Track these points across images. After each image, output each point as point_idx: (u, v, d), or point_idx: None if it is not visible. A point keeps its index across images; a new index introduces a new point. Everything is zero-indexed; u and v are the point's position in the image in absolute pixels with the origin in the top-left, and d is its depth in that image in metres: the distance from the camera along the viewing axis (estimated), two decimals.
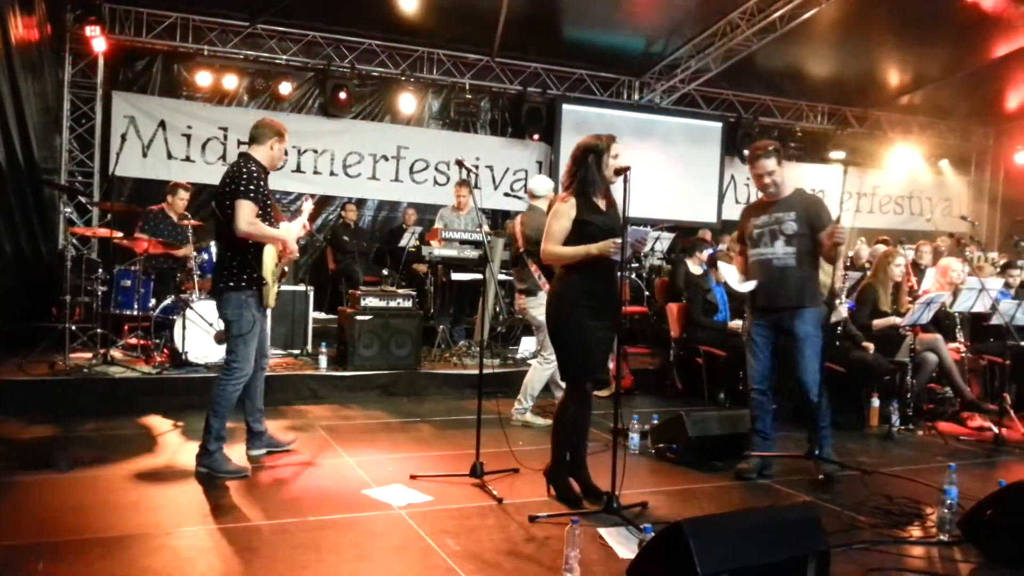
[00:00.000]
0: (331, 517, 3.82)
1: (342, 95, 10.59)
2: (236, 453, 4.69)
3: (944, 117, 13.91)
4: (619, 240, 3.88)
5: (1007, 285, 7.68)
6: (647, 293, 9.78)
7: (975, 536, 3.73)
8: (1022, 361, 6.85)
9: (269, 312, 4.86)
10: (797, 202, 4.77)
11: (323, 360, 6.93)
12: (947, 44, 10.93)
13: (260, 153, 4.56)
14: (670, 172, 12.37)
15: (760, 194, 4.92)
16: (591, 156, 4.06)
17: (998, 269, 8.80)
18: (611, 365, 7.29)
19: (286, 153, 4.79)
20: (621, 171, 3.97)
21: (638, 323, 9.34)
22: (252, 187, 4.33)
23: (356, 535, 3.62)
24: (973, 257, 9.25)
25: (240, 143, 10.31)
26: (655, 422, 5.42)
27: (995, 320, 6.63)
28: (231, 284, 4.45)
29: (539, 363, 5.92)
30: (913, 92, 12.85)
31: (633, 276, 9.92)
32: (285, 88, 10.58)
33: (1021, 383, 7.05)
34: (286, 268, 4.88)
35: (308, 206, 5.03)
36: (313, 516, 3.83)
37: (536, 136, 11.75)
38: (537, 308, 5.90)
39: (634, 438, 5.30)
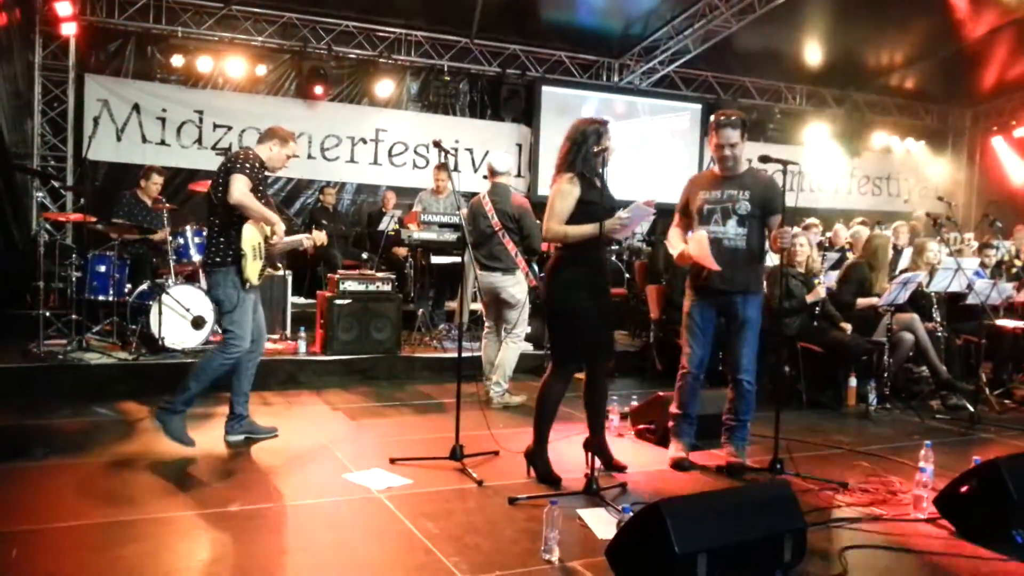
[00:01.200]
0: (310, 502, 3.81)
1: (319, 77, 10.48)
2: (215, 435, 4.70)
3: (921, 98, 13.98)
4: (624, 215, 3.96)
5: (983, 265, 7.76)
6: (627, 275, 9.79)
7: (950, 513, 3.77)
8: (997, 340, 6.95)
9: (259, 296, 4.84)
10: (751, 181, 4.54)
11: (302, 344, 6.89)
12: (924, 25, 10.99)
13: (261, 151, 4.74)
14: (649, 153, 12.37)
15: (714, 165, 4.71)
16: (591, 138, 4.10)
17: (974, 248, 8.88)
18: None
19: (288, 158, 4.85)
20: (600, 152, 4.03)
21: (619, 305, 9.34)
22: (248, 166, 4.52)
23: (335, 519, 3.60)
24: (949, 238, 9.33)
25: (216, 126, 10.24)
26: (635, 403, 5.44)
27: (971, 300, 6.70)
28: (217, 260, 4.58)
29: (512, 341, 5.92)
30: (891, 73, 12.91)
31: (613, 259, 9.92)
32: (261, 70, 10.44)
33: (996, 362, 7.14)
34: (280, 262, 4.88)
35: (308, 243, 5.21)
36: (292, 501, 3.81)
37: (515, 118, 11.69)
38: (515, 286, 5.90)
39: (614, 419, 5.31)
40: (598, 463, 4.10)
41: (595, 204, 4.00)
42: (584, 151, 4.11)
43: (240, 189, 4.42)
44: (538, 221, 5.46)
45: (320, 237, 5.32)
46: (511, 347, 5.93)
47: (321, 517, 3.62)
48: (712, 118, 4.64)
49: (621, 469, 4.39)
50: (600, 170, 4.12)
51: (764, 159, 4.53)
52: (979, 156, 14.73)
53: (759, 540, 2.99)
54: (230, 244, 4.55)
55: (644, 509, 2.94)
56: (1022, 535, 3.53)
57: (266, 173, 4.74)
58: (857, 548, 3.46)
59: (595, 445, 4.24)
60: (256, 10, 10.26)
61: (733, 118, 4.50)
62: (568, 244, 4.13)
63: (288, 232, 5.16)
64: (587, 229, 4.01)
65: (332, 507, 3.75)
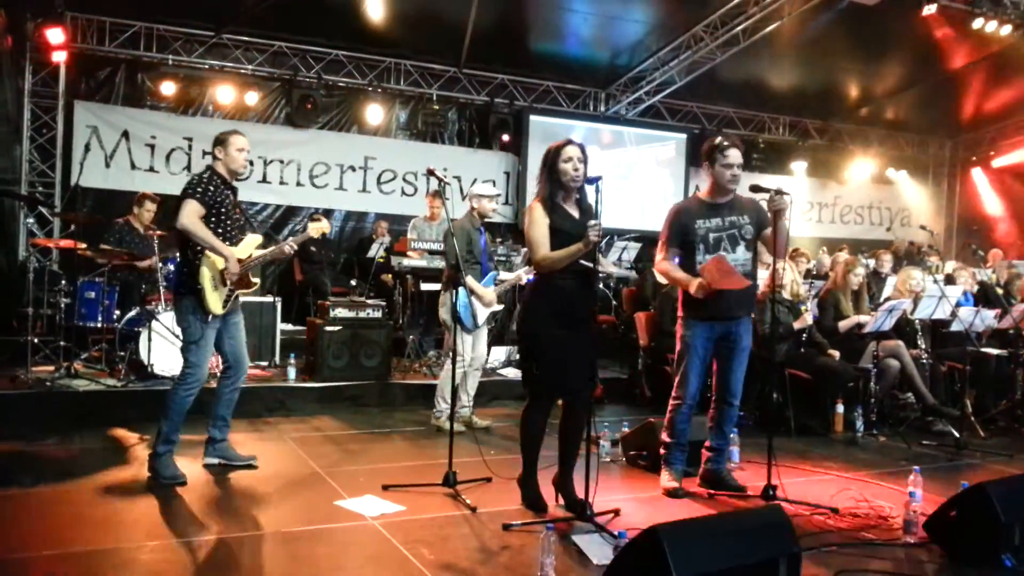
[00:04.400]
0: (304, 528, 3.79)
1: (309, 105, 10.55)
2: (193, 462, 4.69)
3: (902, 129, 14.24)
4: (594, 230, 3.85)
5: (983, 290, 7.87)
6: (615, 303, 9.85)
7: (940, 537, 3.81)
8: (981, 366, 7.04)
9: (241, 320, 4.81)
10: (744, 205, 4.60)
11: (291, 371, 6.88)
12: (905, 58, 11.22)
13: (218, 166, 4.66)
14: (636, 182, 12.51)
15: (706, 192, 4.66)
16: (548, 162, 4.09)
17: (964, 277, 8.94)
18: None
19: (241, 151, 4.65)
20: (592, 180, 3.96)
21: (607, 332, 9.39)
22: (200, 189, 4.47)
23: (330, 546, 3.59)
24: (932, 265, 9.47)
25: (205, 153, 10.24)
26: (625, 430, 5.46)
27: (955, 327, 6.81)
28: (181, 290, 4.59)
29: (448, 364, 5.86)
30: (872, 104, 13.15)
31: (600, 286, 9.98)
32: (251, 98, 10.50)
33: (980, 388, 7.22)
34: (253, 280, 4.79)
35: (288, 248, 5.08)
36: (286, 528, 3.80)
37: (505, 137, 11.76)
38: (442, 308, 6.02)
39: (605, 446, 5.34)
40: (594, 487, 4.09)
41: (562, 232, 3.98)
42: (545, 175, 4.08)
43: (186, 214, 4.38)
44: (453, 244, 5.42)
45: (321, 227, 5.20)
46: (444, 369, 5.91)
47: (316, 544, 3.61)
48: (715, 141, 4.60)
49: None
50: (575, 193, 4.08)
51: (755, 188, 4.58)
52: (959, 186, 14.98)
53: (755, 564, 3.00)
54: (192, 273, 4.50)
55: (641, 534, 2.95)
56: (1011, 559, 3.57)
57: (235, 183, 4.70)
58: (850, 572, 3.48)
59: (559, 480, 4.22)
60: (246, 39, 10.34)
61: (735, 141, 4.56)
62: (540, 273, 4.09)
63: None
64: (572, 249, 3.91)
65: (327, 534, 3.74)
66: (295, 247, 5.08)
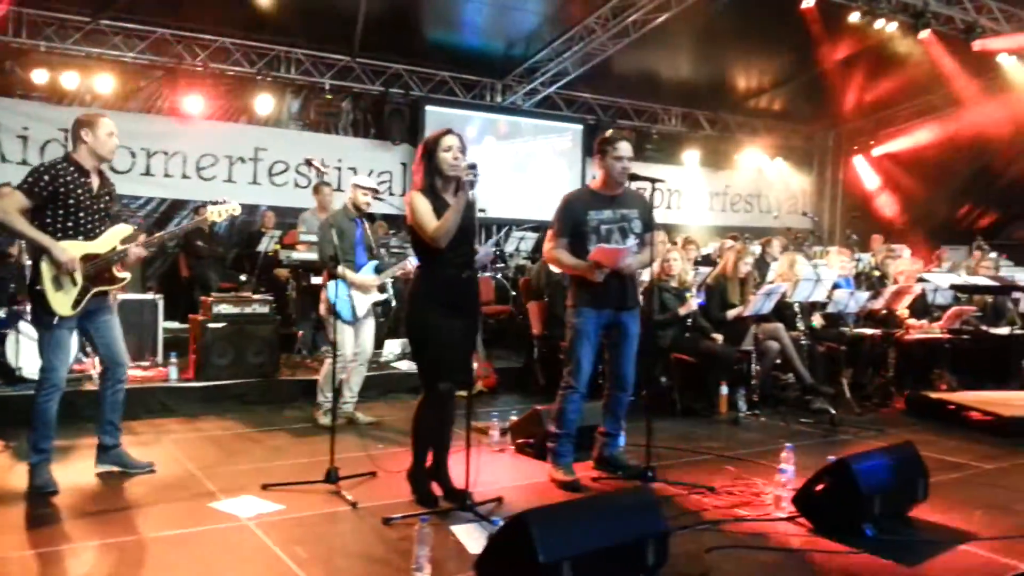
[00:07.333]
0: (172, 533, 3.65)
1: (194, 95, 10.18)
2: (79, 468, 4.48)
3: (789, 119, 14.78)
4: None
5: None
6: (513, 293, 9.88)
7: (807, 511, 3.96)
8: (857, 346, 7.37)
9: (112, 318, 4.56)
10: (634, 199, 4.74)
11: (173, 371, 6.62)
12: (789, 50, 11.62)
13: (79, 152, 4.30)
14: (533, 173, 12.58)
15: (592, 183, 4.75)
16: (427, 152, 4.06)
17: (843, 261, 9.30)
18: (476, 365, 7.37)
19: (111, 135, 4.32)
20: (471, 166, 3.92)
21: (504, 322, 9.42)
22: (31, 180, 4.13)
23: (199, 550, 3.47)
24: (814, 251, 9.88)
25: None
26: (514, 418, 5.48)
27: (831, 308, 7.12)
28: (30, 291, 4.30)
29: (328, 359, 5.81)
30: (759, 96, 13.61)
31: (499, 276, 10.01)
32: (133, 87, 10.05)
33: (857, 367, 7.55)
34: (119, 275, 4.49)
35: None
36: (154, 532, 3.65)
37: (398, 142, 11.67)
38: (321, 304, 5.90)
39: (494, 435, 5.35)
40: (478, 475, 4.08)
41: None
42: (423, 165, 4.06)
43: (3, 206, 4.10)
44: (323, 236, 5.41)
45: (227, 208, 4.71)
46: (325, 364, 5.81)
47: (184, 548, 3.48)
48: (607, 135, 4.70)
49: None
50: (453, 182, 4.03)
51: (633, 177, 4.67)
52: (842, 174, 15.67)
53: (622, 546, 3.05)
54: (36, 273, 4.20)
55: (510, 520, 2.97)
56: (872, 528, 3.75)
57: (105, 170, 4.41)
58: (721, 549, 3.58)
59: (434, 470, 4.20)
60: (127, 25, 9.88)
61: (627, 134, 4.67)
62: (424, 262, 4.08)
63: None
64: (456, 204, 3.85)
65: (195, 537, 3.61)
66: (181, 233, 4.76)
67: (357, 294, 5.66)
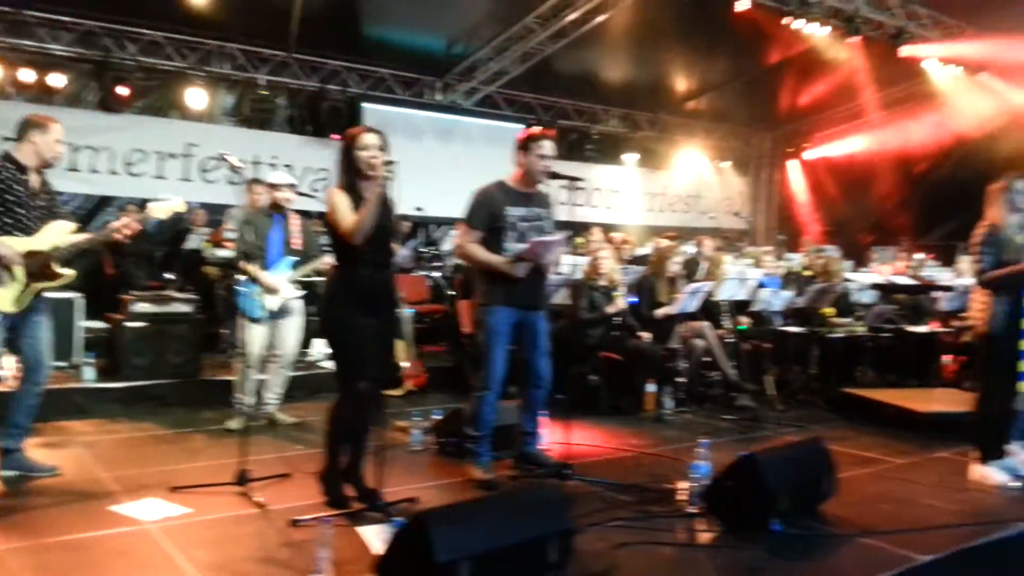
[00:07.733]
0: (67, 537, 3.52)
1: (123, 89, 9.92)
2: None
3: (726, 121, 15.01)
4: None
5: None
6: (451, 292, 9.81)
7: (716, 507, 3.99)
8: (782, 344, 7.50)
9: (44, 319, 4.41)
10: (544, 199, 4.74)
11: (88, 372, 6.41)
12: (726, 53, 11.82)
13: (23, 150, 4.27)
14: (472, 172, 12.39)
15: (514, 180, 4.67)
16: (345, 151, 4.00)
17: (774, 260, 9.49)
18: (407, 364, 7.29)
19: (57, 141, 4.37)
20: (387, 163, 3.87)
21: (438, 321, 9.36)
22: None
23: (93, 555, 3.36)
24: (745, 251, 10.03)
25: (6, 139, 9.40)
26: (436, 417, 5.44)
27: (757, 307, 7.23)
28: None
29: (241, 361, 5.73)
30: (697, 98, 13.80)
31: (437, 274, 9.94)
32: (58, 80, 9.76)
33: (782, 364, 7.68)
34: (60, 272, 4.34)
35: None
36: (49, 538, 3.52)
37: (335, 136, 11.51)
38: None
39: (416, 434, 5.30)
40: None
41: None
42: (343, 164, 4.00)
43: None
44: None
45: (171, 206, 4.59)
46: (239, 366, 5.74)
47: (77, 554, 3.36)
48: (532, 131, 4.73)
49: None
50: (367, 181, 3.93)
51: (554, 176, 4.67)
52: (777, 176, 15.97)
53: (523, 543, 3.04)
54: None
55: (410, 519, 2.94)
56: (779, 524, 3.79)
57: (44, 170, 4.35)
58: (629, 545, 3.59)
59: (348, 470, 4.12)
60: (53, 16, 9.59)
61: (551, 133, 4.69)
62: (341, 260, 4.02)
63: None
64: (371, 195, 3.78)
65: (92, 542, 3.49)
66: (127, 232, 4.55)
67: (267, 292, 5.56)
